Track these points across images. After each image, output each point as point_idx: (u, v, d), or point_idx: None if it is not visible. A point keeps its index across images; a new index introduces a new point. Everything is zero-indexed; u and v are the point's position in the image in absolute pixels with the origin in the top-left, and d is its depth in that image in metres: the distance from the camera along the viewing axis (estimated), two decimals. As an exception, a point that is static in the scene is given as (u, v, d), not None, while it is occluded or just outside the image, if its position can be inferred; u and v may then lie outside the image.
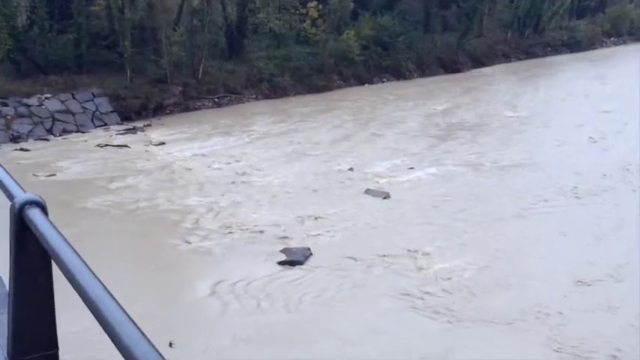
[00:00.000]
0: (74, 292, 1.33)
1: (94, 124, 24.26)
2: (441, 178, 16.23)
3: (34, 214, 1.63)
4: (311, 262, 11.14)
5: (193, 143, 21.01)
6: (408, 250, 11.36)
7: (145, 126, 24.16)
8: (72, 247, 1.45)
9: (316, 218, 13.23)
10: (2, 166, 2.13)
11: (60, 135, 22.85)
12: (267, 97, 29.89)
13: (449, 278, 10.24)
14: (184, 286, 10.66)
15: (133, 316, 1.19)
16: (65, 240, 1.49)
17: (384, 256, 11.20)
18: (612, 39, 46.98)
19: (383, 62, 34.67)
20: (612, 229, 12.24)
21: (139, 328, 1.15)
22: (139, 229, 13.19)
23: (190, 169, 17.59)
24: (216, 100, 28.49)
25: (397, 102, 28.42)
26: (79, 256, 1.41)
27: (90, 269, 1.35)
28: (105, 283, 1.31)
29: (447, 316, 9.09)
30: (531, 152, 18.41)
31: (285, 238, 12.22)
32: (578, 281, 10.04)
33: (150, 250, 12.07)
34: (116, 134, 22.78)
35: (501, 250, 11.41)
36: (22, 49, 25.17)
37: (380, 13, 34.84)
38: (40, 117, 23.18)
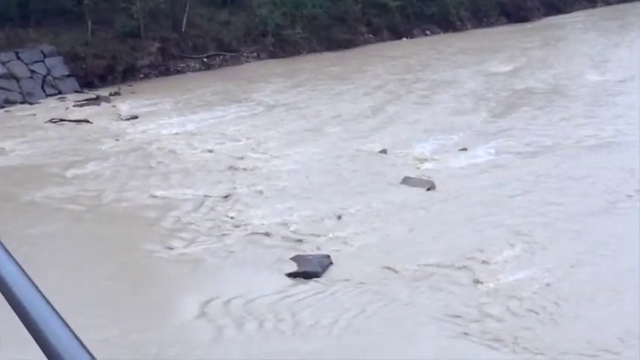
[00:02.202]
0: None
1: (44, 92, 24.40)
2: (503, 162, 16.14)
3: None
4: (331, 273, 11.14)
5: (176, 117, 21.07)
6: (461, 258, 11.32)
7: (111, 95, 24.27)
8: (12, 256, 1.45)
9: (339, 216, 13.21)
10: None
11: (1, 107, 23.00)
12: (272, 55, 29.91)
13: (515, 295, 10.20)
14: (165, 305, 10.70)
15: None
16: (3, 246, 1.49)
17: (429, 265, 11.18)
18: None
19: (426, 9, 34.53)
20: None
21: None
22: (105, 230, 13.25)
23: (172, 152, 17.65)
24: (205, 60, 28.55)
25: (446, 61, 28.33)
26: (20, 267, 1.41)
27: (33, 284, 1.35)
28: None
29: (513, 345, 9.05)
30: (623, 128, 18.25)
31: (297, 241, 12.24)
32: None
33: (119, 259, 12.13)
34: (74, 106, 22.90)
35: (586, 256, 11.34)
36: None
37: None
38: (-26, 84, 23.36)
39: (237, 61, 28.87)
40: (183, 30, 28.03)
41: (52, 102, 23.58)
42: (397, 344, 9.21)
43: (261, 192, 14.66)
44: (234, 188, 14.92)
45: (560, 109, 20.40)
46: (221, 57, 28.70)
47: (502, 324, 9.52)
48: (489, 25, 35.94)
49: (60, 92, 24.40)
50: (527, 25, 36.10)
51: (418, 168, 15.81)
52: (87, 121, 20.84)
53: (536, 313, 9.77)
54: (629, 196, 13.67)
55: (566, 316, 9.69)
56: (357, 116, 20.66)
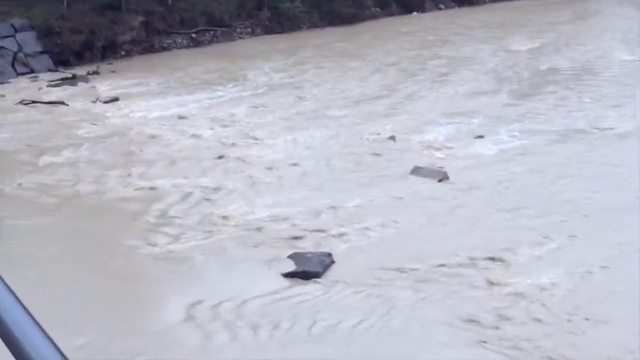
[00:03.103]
0: None
1: (15, 70, 24.39)
2: (523, 150, 16.14)
3: None
4: (333, 273, 11.13)
5: (161, 99, 21.06)
6: (476, 258, 11.32)
7: (89, 74, 24.25)
8: None
9: (346, 210, 13.21)
10: None
11: (-34, 87, 22.98)
12: (268, 31, 29.88)
13: (537, 298, 10.21)
14: (148, 308, 10.71)
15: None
16: None
17: (441, 265, 11.17)
18: None
19: (440, -20, 34.51)
20: None
21: None
22: (81, 224, 13.25)
23: (156, 138, 17.65)
24: (193, 35, 28.53)
25: (464, 36, 28.34)
26: None
27: (5, 283, 1.36)
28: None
29: (533, 354, 9.07)
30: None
31: (295, 238, 12.23)
32: None
33: (97, 256, 12.13)
34: (48, 86, 22.89)
35: (616, 255, 11.33)
36: None
37: None
38: (-63, 61, 23.35)
39: (229, 37, 28.82)
40: (169, 2, 27.99)
41: (23, 81, 23.56)
42: (406, 353, 9.23)
43: (254, 183, 14.66)
44: (227, 178, 14.91)
45: (578, 100, 20.24)
46: (211, 32, 28.65)
47: (520, 329, 9.52)
48: (510, -2, 35.96)
49: (32, 71, 24.38)
50: (553, -2, 36.11)
51: (429, 157, 15.80)
52: (62, 103, 20.83)
53: (558, 317, 9.79)
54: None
55: (592, 323, 9.69)
56: (360, 101, 20.64)
